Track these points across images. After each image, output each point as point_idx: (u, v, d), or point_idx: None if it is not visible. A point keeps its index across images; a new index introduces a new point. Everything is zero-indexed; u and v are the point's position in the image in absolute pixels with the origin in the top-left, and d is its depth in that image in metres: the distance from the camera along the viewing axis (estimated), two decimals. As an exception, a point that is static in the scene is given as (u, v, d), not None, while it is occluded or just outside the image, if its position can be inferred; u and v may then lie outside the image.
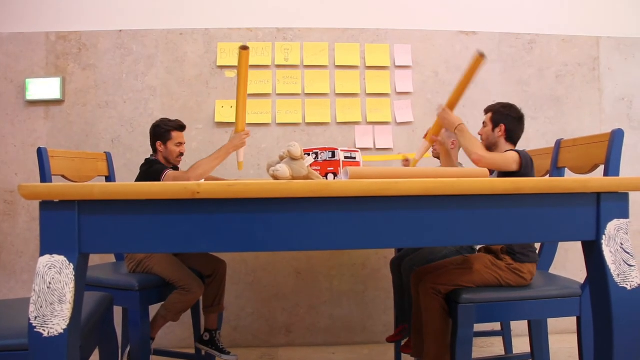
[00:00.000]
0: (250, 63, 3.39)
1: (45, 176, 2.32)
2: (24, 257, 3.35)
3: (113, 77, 3.43)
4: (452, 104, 2.46)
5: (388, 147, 3.48)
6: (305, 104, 3.47)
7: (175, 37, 3.46)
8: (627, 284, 1.31)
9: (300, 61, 3.50)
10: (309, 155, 2.07)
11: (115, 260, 2.95)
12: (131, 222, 1.22)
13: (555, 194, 1.33)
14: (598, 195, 1.33)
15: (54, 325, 1.15)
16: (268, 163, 1.56)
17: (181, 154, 2.76)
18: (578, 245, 1.42)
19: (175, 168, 2.80)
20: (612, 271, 1.31)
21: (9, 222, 3.36)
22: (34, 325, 1.15)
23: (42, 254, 1.18)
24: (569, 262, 3.36)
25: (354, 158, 2.14)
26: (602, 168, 2.08)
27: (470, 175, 1.50)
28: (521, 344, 2.91)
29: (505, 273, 2.13)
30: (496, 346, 3.23)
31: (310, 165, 1.40)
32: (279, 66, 3.49)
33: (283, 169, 1.35)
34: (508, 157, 2.21)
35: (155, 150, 2.74)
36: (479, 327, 2.22)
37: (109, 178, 2.92)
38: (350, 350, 3.32)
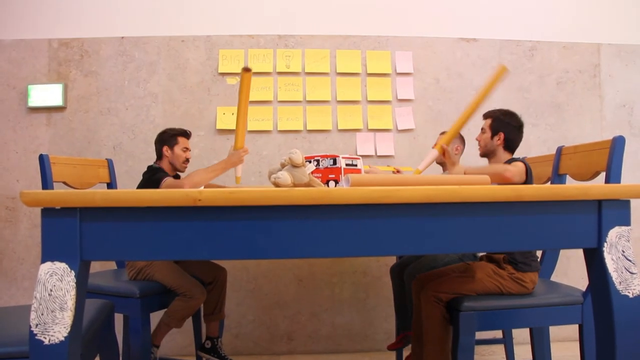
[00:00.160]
0: (252, 70, 3.42)
1: (46, 183, 2.32)
2: (25, 264, 3.35)
3: (115, 83, 3.44)
4: (466, 118, 2.39)
5: (389, 154, 3.48)
6: (306, 111, 3.48)
7: (177, 43, 3.47)
8: (629, 292, 1.30)
9: (302, 68, 3.51)
10: (310, 162, 2.08)
11: (116, 267, 2.95)
12: (133, 230, 1.22)
13: (557, 201, 1.32)
14: (599, 202, 1.33)
15: (54, 332, 1.15)
16: (269, 170, 1.56)
17: (187, 160, 2.78)
18: (579, 252, 1.42)
19: (179, 176, 2.81)
20: (613, 279, 1.31)
21: (11, 228, 3.36)
22: (34, 332, 1.15)
23: (43, 261, 1.18)
24: (570, 270, 3.35)
25: (355, 165, 2.14)
26: (603, 175, 2.08)
27: (471, 182, 1.50)
28: (523, 352, 2.90)
29: (507, 282, 2.12)
30: (498, 354, 3.22)
31: (312, 172, 1.41)
32: (280, 73, 3.49)
33: (284, 176, 1.35)
34: (520, 168, 2.19)
35: (161, 156, 2.74)
36: (480, 334, 2.21)
37: (111, 185, 2.92)
38: (351, 358, 3.31)
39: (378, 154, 3.48)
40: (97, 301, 1.74)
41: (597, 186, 1.32)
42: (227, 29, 3.51)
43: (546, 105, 3.61)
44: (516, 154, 2.43)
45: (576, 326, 2.11)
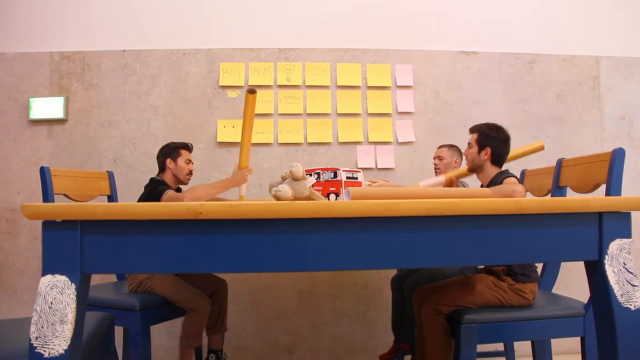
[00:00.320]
0: (253, 83, 3.45)
1: (47, 195, 2.32)
2: (25, 276, 3.34)
3: (116, 96, 3.45)
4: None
5: (390, 167, 3.49)
6: (307, 124, 3.49)
7: (178, 57, 3.49)
8: (630, 304, 1.30)
9: (302, 81, 3.52)
10: (310, 175, 2.08)
11: (116, 280, 2.94)
12: (134, 243, 1.22)
13: (557, 213, 1.32)
14: (600, 215, 1.33)
15: (54, 345, 1.15)
16: (270, 183, 1.56)
17: (190, 172, 2.78)
18: (581, 264, 1.42)
19: (181, 189, 2.81)
20: (615, 291, 1.31)
21: (11, 241, 3.36)
22: (34, 345, 1.15)
23: (44, 273, 1.18)
24: (572, 282, 3.34)
25: (356, 178, 2.14)
26: (603, 187, 2.08)
27: (472, 195, 1.50)
28: (525, 365, 2.89)
29: (507, 294, 2.12)
30: (499, 367, 3.20)
31: (312, 185, 1.41)
32: (281, 86, 3.51)
33: (285, 189, 1.35)
34: (521, 186, 2.20)
35: (164, 168, 2.75)
36: (482, 347, 2.20)
37: (111, 197, 2.92)
38: (352, 371, 3.30)
39: (378, 167, 3.48)
40: (97, 314, 1.74)
41: (598, 199, 1.33)
42: (228, 42, 3.53)
43: (546, 117, 3.62)
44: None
45: (578, 339, 2.10)
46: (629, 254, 1.33)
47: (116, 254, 1.22)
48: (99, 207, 1.19)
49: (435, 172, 3.03)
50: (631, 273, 1.32)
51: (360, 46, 3.58)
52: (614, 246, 1.33)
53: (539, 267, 2.48)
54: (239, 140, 3.40)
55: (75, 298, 1.17)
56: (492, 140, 2.38)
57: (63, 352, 1.15)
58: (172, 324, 3.22)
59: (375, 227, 1.26)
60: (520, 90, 3.63)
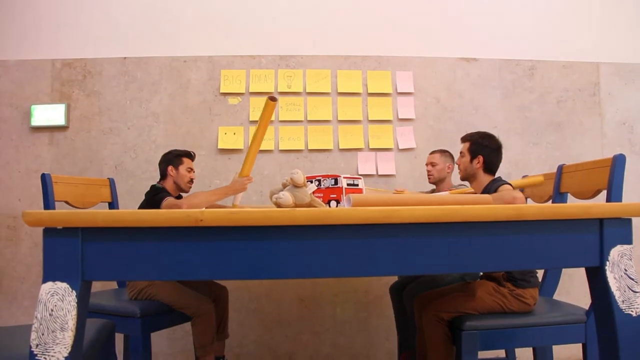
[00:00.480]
0: (254, 90, 3.45)
1: (48, 202, 2.33)
2: (26, 283, 3.34)
3: (117, 103, 3.46)
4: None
5: (390, 174, 3.49)
6: (307, 131, 3.49)
7: (179, 64, 3.50)
8: (632, 311, 1.30)
9: (303, 88, 3.53)
10: (311, 182, 2.08)
11: (117, 287, 2.94)
12: (135, 250, 1.22)
13: (558, 220, 1.32)
14: (601, 221, 1.33)
15: (55, 353, 1.15)
16: (271, 190, 1.56)
17: (192, 180, 2.79)
18: (582, 270, 1.41)
19: (181, 197, 2.81)
20: (616, 297, 1.30)
21: (12, 247, 3.36)
22: (35, 352, 1.14)
23: (44, 280, 1.18)
24: (573, 288, 3.34)
25: (357, 185, 2.14)
26: (604, 193, 2.08)
27: (472, 202, 1.50)
28: (526, 372, 2.87)
29: (508, 300, 2.11)
30: (501, 374, 3.19)
31: (313, 192, 1.41)
32: (281, 93, 3.52)
33: (286, 196, 1.35)
34: (519, 192, 2.20)
35: (165, 176, 2.75)
36: (483, 354, 2.19)
37: (112, 204, 2.92)
38: (353, 378, 3.28)
39: (379, 174, 3.48)
40: (98, 321, 1.73)
41: (599, 205, 1.33)
42: (229, 49, 3.54)
43: (547, 123, 3.62)
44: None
45: (579, 345, 2.09)
46: (630, 260, 1.33)
47: (117, 261, 1.22)
48: (100, 214, 1.19)
49: (429, 178, 3.02)
50: (632, 279, 1.32)
51: (361, 53, 3.58)
52: (615, 252, 1.32)
53: (540, 273, 2.47)
54: (240, 147, 3.41)
55: (76, 305, 1.17)
56: (484, 148, 2.38)
57: (64, 359, 1.14)
58: (172, 331, 3.22)
59: (376, 234, 1.26)
60: (520, 96, 3.63)
